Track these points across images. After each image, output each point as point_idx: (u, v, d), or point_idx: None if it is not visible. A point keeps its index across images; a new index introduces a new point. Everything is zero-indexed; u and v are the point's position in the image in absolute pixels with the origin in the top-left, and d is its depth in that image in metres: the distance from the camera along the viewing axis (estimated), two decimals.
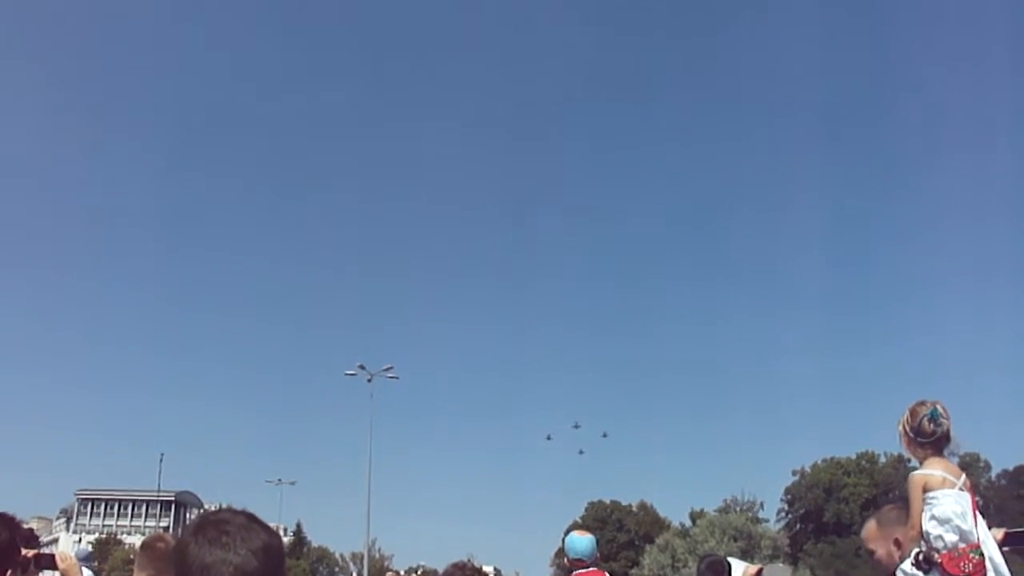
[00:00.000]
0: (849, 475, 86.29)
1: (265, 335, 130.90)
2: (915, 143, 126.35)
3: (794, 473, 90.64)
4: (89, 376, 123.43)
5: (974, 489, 4.59)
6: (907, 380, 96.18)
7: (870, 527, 4.59)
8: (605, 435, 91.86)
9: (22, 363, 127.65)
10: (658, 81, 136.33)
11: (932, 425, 4.50)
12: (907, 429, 4.58)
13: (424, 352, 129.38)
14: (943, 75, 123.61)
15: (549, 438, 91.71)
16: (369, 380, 54.93)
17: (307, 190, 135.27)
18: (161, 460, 76.49)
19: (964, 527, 4.30)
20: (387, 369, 55.66)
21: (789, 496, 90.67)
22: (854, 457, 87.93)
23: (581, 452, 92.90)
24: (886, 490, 76.48)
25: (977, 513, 4.40)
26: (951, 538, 4.27)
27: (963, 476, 4.52)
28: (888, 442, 77.03)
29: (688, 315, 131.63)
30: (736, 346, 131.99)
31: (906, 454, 4.77)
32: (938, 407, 4.54)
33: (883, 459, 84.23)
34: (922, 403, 4.58)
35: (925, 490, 4.39)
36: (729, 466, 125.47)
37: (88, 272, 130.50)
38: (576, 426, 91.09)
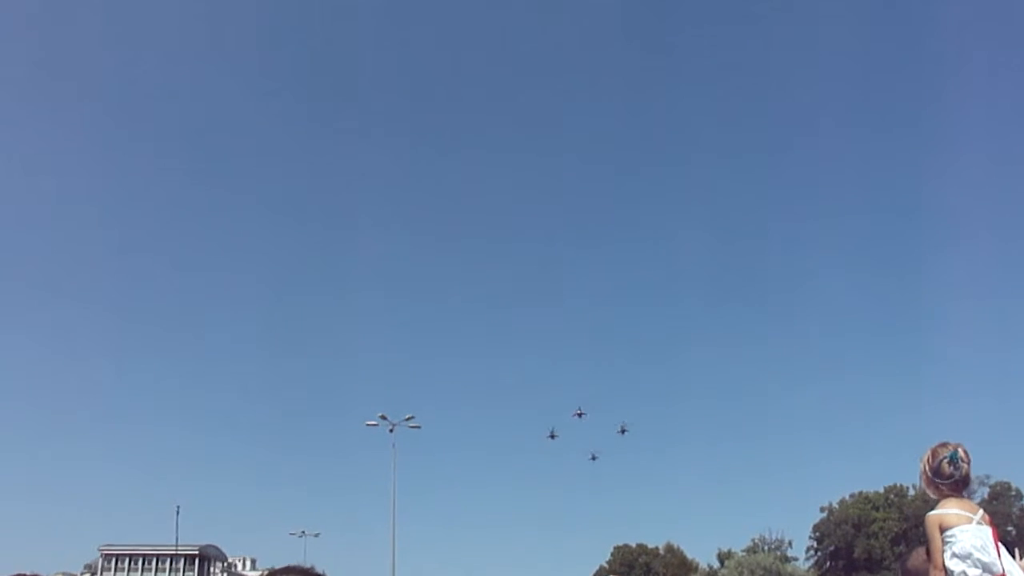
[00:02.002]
0: (878, 510, 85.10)
1: (285, 388, 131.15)
2: (934, 161, 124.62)
3: (822, 510, 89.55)
4: (113, 429, 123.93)
5: (1000, 519, 4.72)
6: (935, 407, 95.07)
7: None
8: (623, 430, 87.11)
9: (45, 419, 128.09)
10: (701, 128, 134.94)
11: (951, 468, 4.60)
12: (927, 469, 4.69)
13: (445, 399, 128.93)
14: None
15: (553, 436, 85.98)
16: (391, 430, 55.02)
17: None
18: (178, 513, 76.42)
19: (985, 559, 4.37)
20: (409, 419, 55.74)
21: (818, 533, 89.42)
22: (882, 491, 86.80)
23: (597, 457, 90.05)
24: (916, 524, 75.33)
25: (1000, 544, 4.44)
26: (974, 572, 4.35)
27: (980, 512, 4.58)
28: (917, 475, 75.97)
29: (718, 369, 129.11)
30: (762, 383, 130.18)
31: (926, 493, 4.86)
32: (959, 450, 4.64)
33: (912, 492, 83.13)
34: (944, 445, 4.67)
35: (942, 529, 4.47)
36: (755, 504, 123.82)
37: (113, 330, 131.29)
38: (580, 413, 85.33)
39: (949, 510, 4.54)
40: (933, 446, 4.71)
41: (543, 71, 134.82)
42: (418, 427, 56.93)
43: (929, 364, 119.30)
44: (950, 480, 4.62)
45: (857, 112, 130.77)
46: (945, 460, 4.63)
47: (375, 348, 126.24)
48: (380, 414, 55.67)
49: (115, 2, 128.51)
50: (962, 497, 4.67)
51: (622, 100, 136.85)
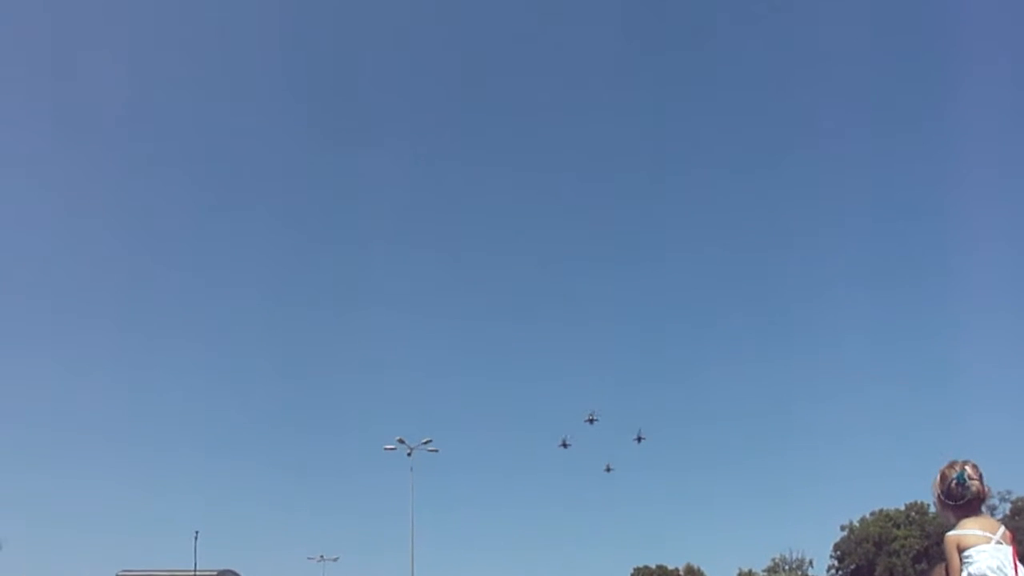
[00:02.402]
0: (899, 527, 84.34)
1: (303, 411, 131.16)
2: (957, 167, 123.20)
3: (842, 528, 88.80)
4: (130, 452, 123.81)
5: (1022, 535, 4.74)
6: (956, 422, 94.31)
7: None
8: (639, 439, 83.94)
9: (61, 442, 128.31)
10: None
11: (961, 488, 4.57)
12: (939, 494, 4.68)
13: (459, 417, 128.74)
14: None
15: (565, 445, 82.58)
16: (409, 454, 55.18)
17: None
18: (196, 538, 76.44)
19: None
20: (426, 442, 55.94)
21: (839, 552, 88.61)
22: (903, 508, 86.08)
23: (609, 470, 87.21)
24: (937, 541, 74.44)
25: (1019, 564, 4.43)
26: None
27: (1001, 529, 4.56)
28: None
29: (734, 384, 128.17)
30: (779, 399, 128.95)
31: (941, 517, 4.85)
32: (967, 469, 4.61)
33: (933, 509, 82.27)
34: (951, 465, 4.66)
35: (960, 549, 4.49)
36: (775, 522, 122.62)
37: (128, 355, 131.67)
38: (592, 419, 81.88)
39: (967, 530, 4.52)
40: (941, 468, 4.68)
41: (555, 81, 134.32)
42: (436, 451, 57.15)
43: (949, 378, 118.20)
44: (962, 500, 4.60)
45: (875, 118, 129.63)
46: (953, 481, 4.61)
47: (392, 367, 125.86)
48: (398, 438, 55.90)
49: (120, 17, 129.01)
50: (980, 515, 4.63)
51: (635, 111, 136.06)
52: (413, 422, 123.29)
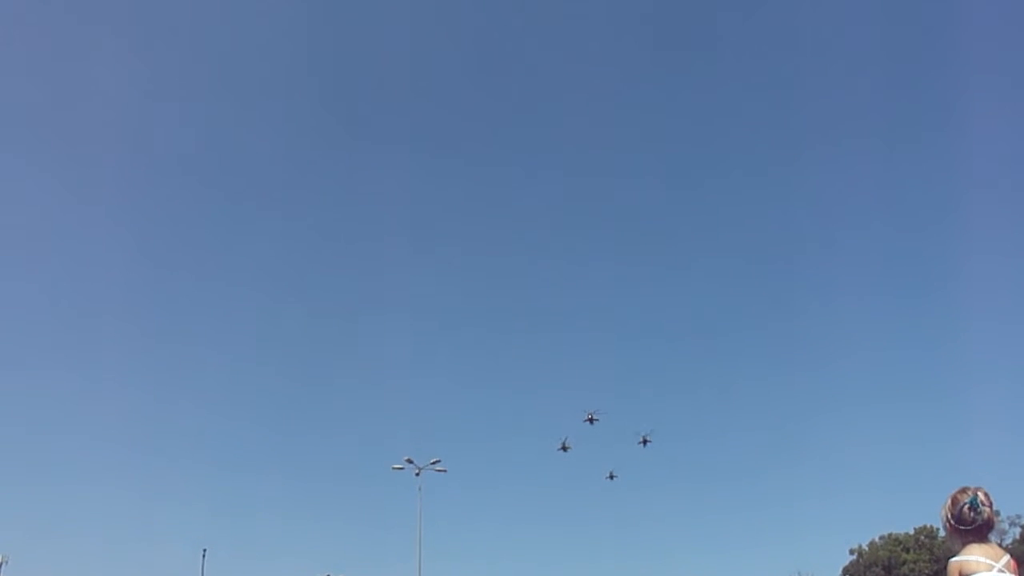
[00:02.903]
0: (908, 551, 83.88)
1: (308, 430, 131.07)
2: (971, 181, 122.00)
3: (851, 552, 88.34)
4: (138, 467, 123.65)
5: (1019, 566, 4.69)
6: (965, 445, 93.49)
7: None
8: (645, 441, 76.88)
9: (68, 456, 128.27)
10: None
11: (972, 513, 4.63)
12: (949, 517, 4.73)
13: (475, 442, 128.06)
14: None
15: (565, 448, 75.69)
16: (417, 474, 55.27)
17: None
18: (204, 556, 76.39)
19: None
20: (435, 462, 56.02)
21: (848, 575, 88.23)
22: (912, 532, 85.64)
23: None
24: (946, 565, 74.02)
25: None
26: None
27: (1005, 557, 4.61)
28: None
29: (745, 402, 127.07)
30: (789, 420, 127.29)
31: (948, 541, 4.92)
32: (979, 494, 4.66)
33: (942, 532, 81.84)
34: (963, 491, 4.69)
35: (962, 575, 4.57)
36: (783, 545, 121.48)
37: (139, 381, 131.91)
38: (592, 419, 74.80)
39: (970, 556, 4.57)
40: (952, 493, 4.73)
41: (572, 91, 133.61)
42: (444, 471, 57.19)
43: (959, 400, 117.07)
44: (973, 525, 4.64)
45: (885, 125, 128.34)
46: (965, 506, 4.65)
47: (399, 384, 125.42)
48: (406, 458, 56.02)
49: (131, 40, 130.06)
50: (986, 542, 4.67)
51: (650, 111, 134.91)
52: (415, 430, 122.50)
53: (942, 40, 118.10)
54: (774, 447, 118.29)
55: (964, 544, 4.69)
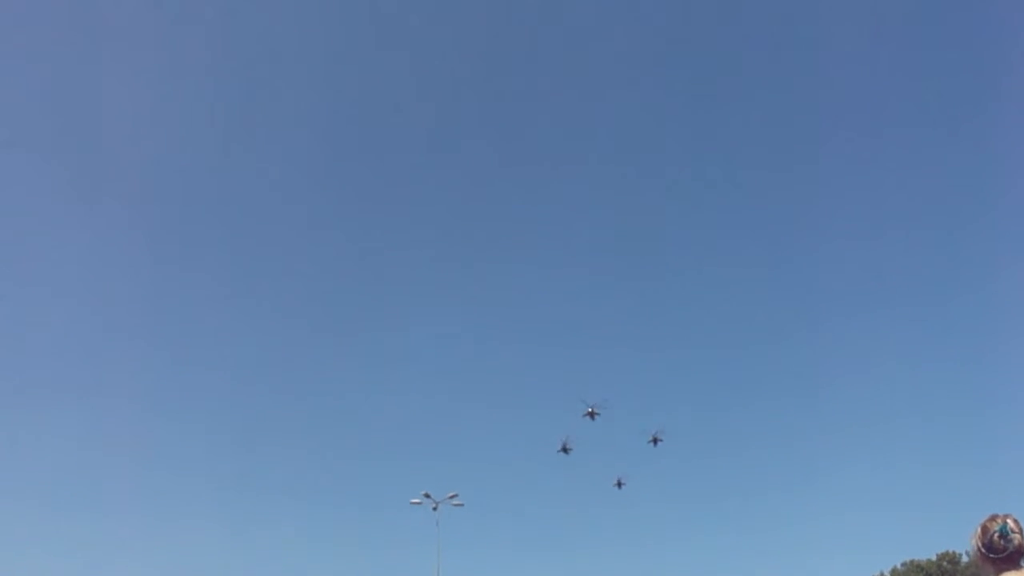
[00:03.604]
0: None
1: (326, 465, 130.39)
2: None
3: None
4: (151, 505, 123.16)
5: None
6: (988, 468, 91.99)
7: None
8: (656, 440, 68.79)
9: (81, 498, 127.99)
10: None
11: (1003, 541, 4.65)
12: (979, 546, 4.74)
13: (490, 476, 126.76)
14: None
15: (565, 450, 68.13)
16: (435, 508, 55.19)
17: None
18: None
19: None
20: (452, 496, 55.92)
21: None
22: (935, 559, 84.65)
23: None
24: None
25: None
26: None
27: None
28: (969, 541, 74.03)
29: (764, 421, 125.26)
30: (809, 439, 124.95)
31: (980, 570, 4.91)
32: (1008, 522, 4.69)
33: (965, 559, 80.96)
34: (993, 518, 4.73)
35: None
36: (799, 570, 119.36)
37: (153, 406, 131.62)
38: (592, 412, 66.73)
39: None
40: (982, 521, 4.73)
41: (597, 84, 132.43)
42: (461, 504, 57.04)
43: (982, 422, 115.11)
44: (1004, 553, 4.65)
45: (912, 119, 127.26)
46: (996, 534, 4.66)
47: (410, 416, 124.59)
48: (424, 492, 55.99)
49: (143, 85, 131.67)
50: (1019, 568, 4.70)
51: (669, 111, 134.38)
52: (433, 464, 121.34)
53: (979, 34, 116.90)
54: (791, 464, 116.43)
55: (997, 572, 4.72)
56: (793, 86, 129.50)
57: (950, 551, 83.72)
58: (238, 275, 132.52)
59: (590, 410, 67.02)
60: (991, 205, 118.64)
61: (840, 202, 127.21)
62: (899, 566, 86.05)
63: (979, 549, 4.76)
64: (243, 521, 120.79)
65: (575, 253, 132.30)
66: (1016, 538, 4.69)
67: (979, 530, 4.75)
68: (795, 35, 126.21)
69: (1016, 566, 4.73)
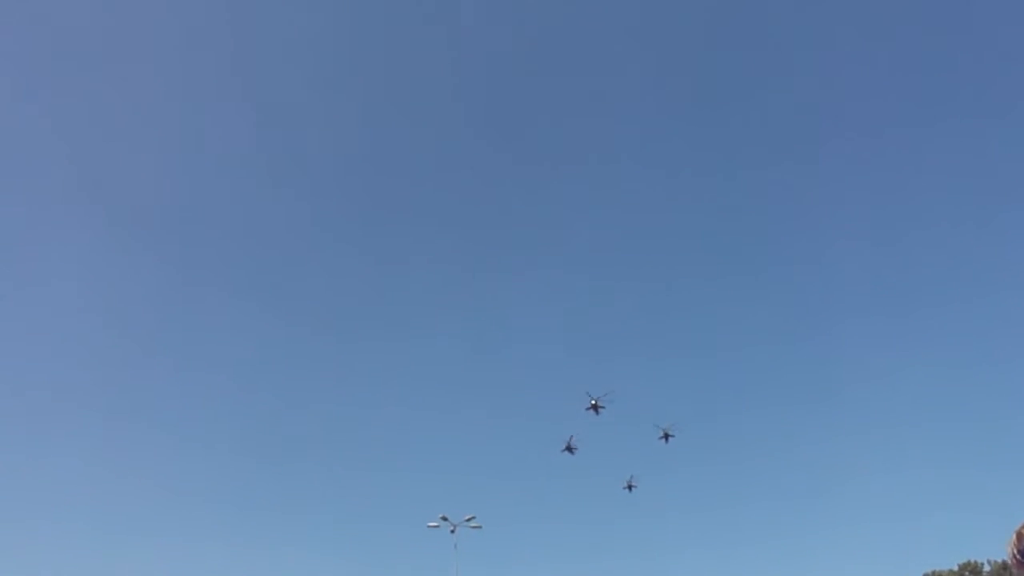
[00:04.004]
0: None
1: (344, 488, 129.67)
2: None
3: None
4: (171, 526, 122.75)
5: None
6: (1010, 475, 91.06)
7: None
8: (667, 436, 65.00)
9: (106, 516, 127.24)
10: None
11: None
12: (1015, 553, 4.79)
13: (508, 498, 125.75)
14: None
15: (570, 449, 64.20)
16: (452, 531, 55.22)
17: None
18: None
19: None
20: (469, 519, 55.93)
21: None
22: (956, 568, 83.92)
23: None
24: None
25: None
26: None
27: None
28: (992, 550, 73.53)
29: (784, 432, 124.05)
30: (826, 451, 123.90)
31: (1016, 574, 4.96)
32: None
33: (987, 568, 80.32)
34: None
35: None
36: None
37: (172, 427, 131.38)
38: (596, 405, 62.09)
39: None
40: (1017, 528, 4.76)
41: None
42: (479, 527, 57.01)
43: (1006, 427, 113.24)
44: None
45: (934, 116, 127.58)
46: None
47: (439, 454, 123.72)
48: (441, 515, 56.05)
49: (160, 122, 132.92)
50: None
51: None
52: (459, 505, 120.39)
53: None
54: (806, 470, 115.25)
55: None
56: (803, 86, 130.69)
57: (972, 561, 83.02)
58: (246, 284, 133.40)
59: (593, 402, 63.15)
60: (1015, 206, 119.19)
61: (859, 203, 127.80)
62: None
63: (1015, 556, 4.81)
64: (259, 541, 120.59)
65: (581, 257, 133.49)
66: None
67: (1014, 537, 4.78)
68: (806, 35, 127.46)
69: None
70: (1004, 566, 68.95)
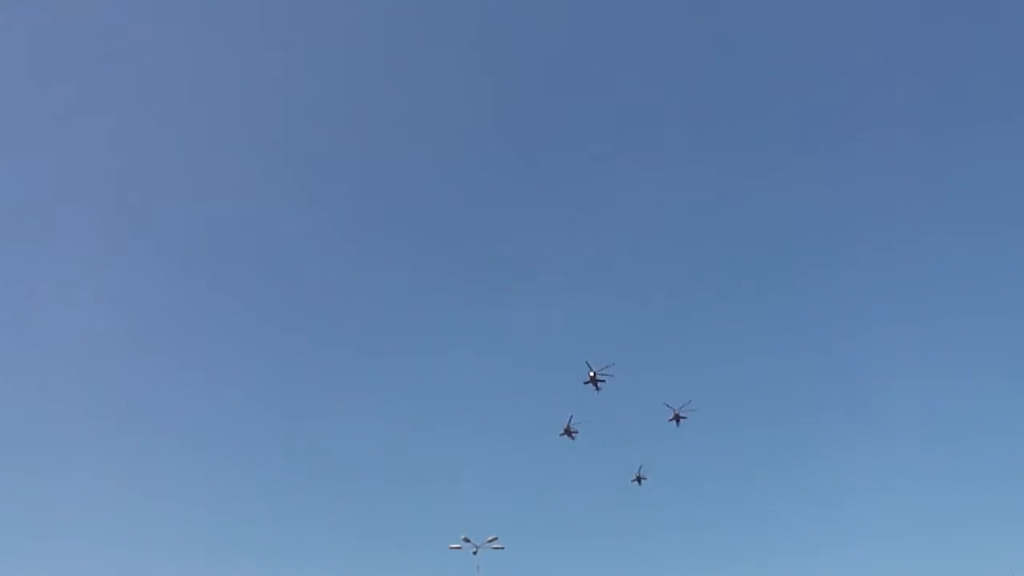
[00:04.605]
0: None
1: (366, 510, 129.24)
2: None
3: None
4: (189, 543, 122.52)
5: None
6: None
7: None
8: (678, 418, 59.49)
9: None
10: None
11: None
12: None
13: (531, 519, 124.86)
14: None
15: (570, 432, 59.78)
16: (475, 552, 55.12)
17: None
18: None
19: None
20: (491, 540, 55.80)
21: None
22: None
23: None
24: None
25: None
26: None
27: None
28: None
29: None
30: (854, 461, 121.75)
31: None
32: None
33: None
34: None
35: None
36: None
37: (193, 439, 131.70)
38: (596, 378, 54.83)
39: None
40: None
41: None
42: (502, 548, 56.90)
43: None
44: None
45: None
46: None
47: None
48: (463, 536, 56.11)
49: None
50: None
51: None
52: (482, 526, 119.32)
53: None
54: (833, 481, 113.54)
55: None
56: (829, 86, 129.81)
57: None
58: (262, 299, 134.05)
59: (592, 374, 57.00)
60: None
61: (885, 206, 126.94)
62: None
63: None
64: (275, 561, 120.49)
65: (605, 273, 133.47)
66: None
67: None
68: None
69: None
70: None
